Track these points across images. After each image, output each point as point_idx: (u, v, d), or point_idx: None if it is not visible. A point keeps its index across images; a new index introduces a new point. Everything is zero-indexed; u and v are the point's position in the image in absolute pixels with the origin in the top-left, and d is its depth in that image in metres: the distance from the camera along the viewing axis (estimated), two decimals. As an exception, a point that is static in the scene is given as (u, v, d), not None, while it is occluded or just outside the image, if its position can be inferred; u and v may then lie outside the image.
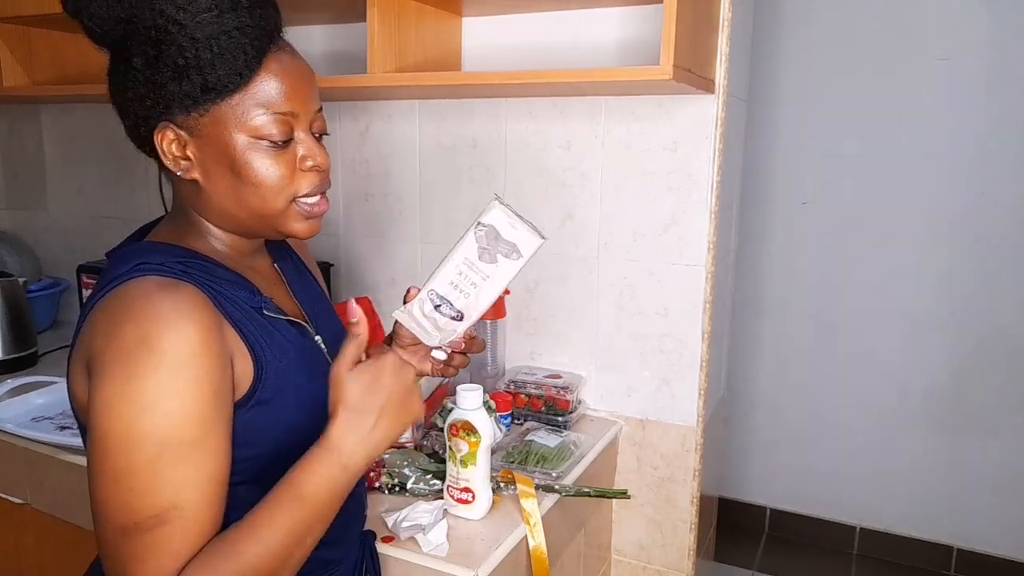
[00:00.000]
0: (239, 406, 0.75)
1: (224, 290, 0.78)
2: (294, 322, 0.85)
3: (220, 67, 0.73)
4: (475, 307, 0.86)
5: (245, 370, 0.76)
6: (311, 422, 0.80)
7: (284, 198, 0.78)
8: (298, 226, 0.81)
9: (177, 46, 0.72)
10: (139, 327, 0.68)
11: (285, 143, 0.77)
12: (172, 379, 0.67)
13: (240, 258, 0.85)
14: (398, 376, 0.77)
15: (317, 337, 0.89)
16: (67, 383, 0.78)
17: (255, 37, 0.74)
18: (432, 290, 0.86)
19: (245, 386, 0.76)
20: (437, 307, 0.86)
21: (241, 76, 0.74)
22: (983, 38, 2.26)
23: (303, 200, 0.80)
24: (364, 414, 0.74)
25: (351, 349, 0.76)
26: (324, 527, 0.74)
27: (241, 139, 0.75)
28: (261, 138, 0.76)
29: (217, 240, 0.83)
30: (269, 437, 0.77)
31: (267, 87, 0.75)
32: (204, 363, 0.69)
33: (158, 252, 0.77)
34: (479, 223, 0.84)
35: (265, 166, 0.76)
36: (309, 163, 0.79)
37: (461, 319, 0.86)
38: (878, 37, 2.38)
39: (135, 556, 0.67)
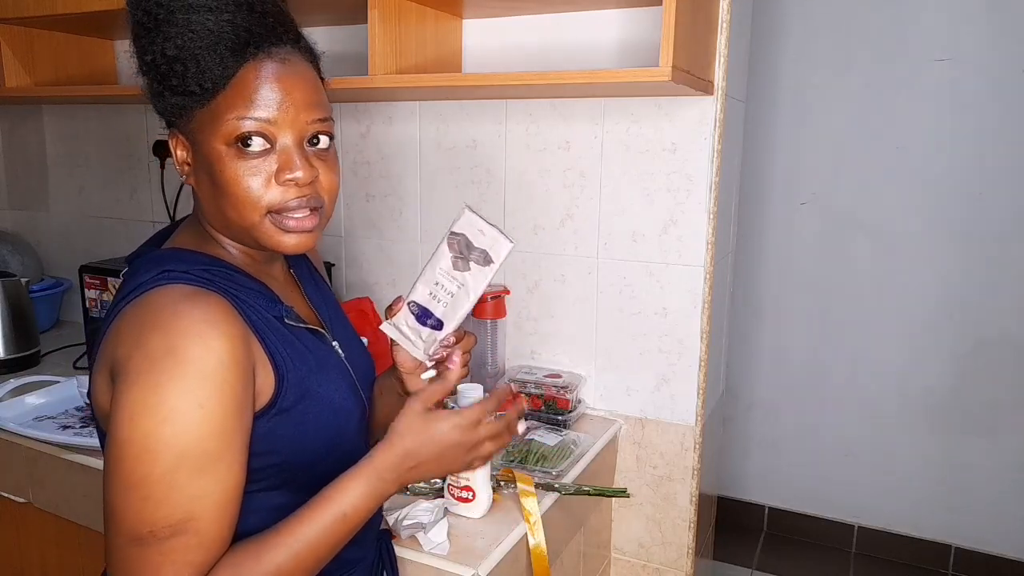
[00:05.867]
0: (261, 415, 0.75)
1: (247, 299, 0.78)
2: (313, 329, 0.86)
3: (190, 69, 0.72)
4: (453, 315, 0.87)
5: (267, 380, 0.76)
6: (331, 428, 0.82)
7: (257, 211, 0.75)
8: (280, 240, 0.77)
9: (149, 40, 0.74)
10: (165, 337, 0.68)
11: (260, 153, 0.74)
12: (196, 390, 0.67)
13: (257, 265, 0.84)
14: (462, 437, 0.80)
15: (335, 343, 0.90)
16: (89, 390, 0.77)
17: (227, 42, 0.72)
18: (412, 301, 0.88)
19: (267, 396, 0.75)
20: (418, 317, 0.88)
21: (211, 81, 0.72)
22: (983, 38, 2.27)
23: (281, 214, 0.76)
24: (415, 457, 0.78)
25: (436, 391, 0.80)
26: (341, 545, 0.77)
27: (218, 147, 0.74)
28: (234, 145, 0.73)
29: (232, 247, 0.82)
30: (290, 444, 0.77)
31: (242, 94, 0.73)
32: (228, 375, 0.69)
33: (182, 259, 0.77)
34: (451, 232, 0.86)
35: (237, 176, 0.74)
36: (285, 176, 0.74)
37: (440, 327, 0.88)
38: (877, 37, 2.39)
39: (150, 565, 0.67)
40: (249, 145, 0.74)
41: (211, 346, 0.68)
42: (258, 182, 0.74)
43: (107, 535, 0.69)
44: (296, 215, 0.76)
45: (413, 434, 0.78)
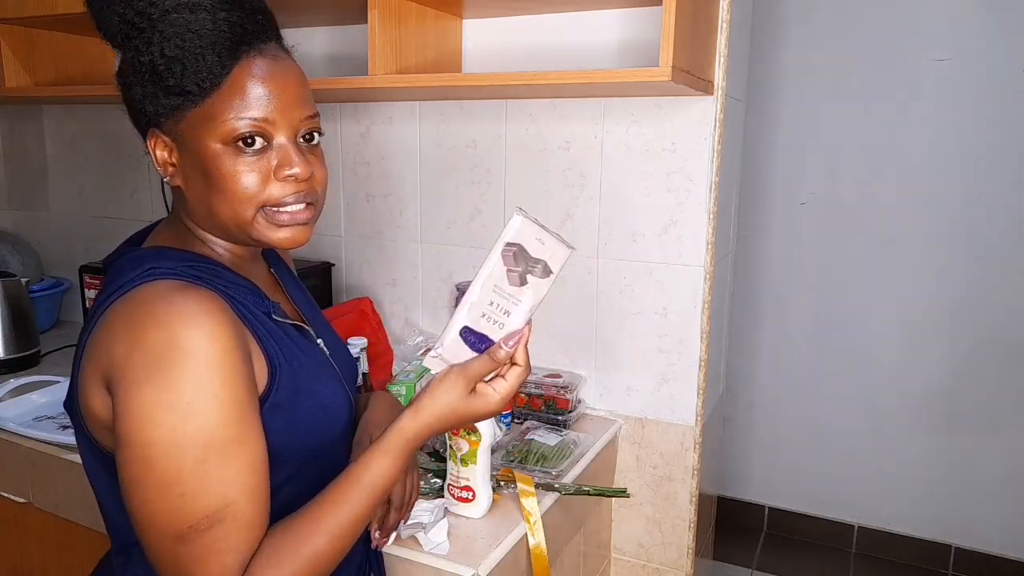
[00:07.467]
0: None
1: (235, 294, 0.78)
2: (299, 327, 0.86)
3: (189, 68, 0.72)
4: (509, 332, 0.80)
5: (261, 372, 0.76)
6: (322, 424, 0.82)
7: (253, 207, 0.75)
8: (274, 235, 0.77)
9: (144, 40, 0.73)
10: (164, 330, 0.67)
11: (258, 150, 0.74)
12: (208, 379, 0.67)
13: (241, 263, 0.84)
14: (486, 406, 0.79)
15: (319, 341, 0.90)
16: (75, 395, 0.76)
17: (225, 41, 0.72)
18: (466, 327, 0.79)
19: (260, 388, 0.76)
20: (472, 345, 0.79)
21: (209, 80, 0.72)
22: (983, 38, 2.27)
23: (276, 209, 0.76)
24: (445, 426, 0.79)
25: (484, 369, 0.78)
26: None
27: (213, 146, 0.74)
28: (231, 144, 0.73)
29: (217, 245, 0.82)
30: (280, 439, 0.77)
31: (238, 93, 0.73)
32: (234, 359, 0.69)
33: (166, 257, 0.77)
34: (506, 243, 0.77)
35: (234, 173, 0.74)
36: (284, 172, 0.75)
37: None
38: (877, 37, 2.39)
39: (196, 560, 0.67)
40: (249, 143, 0.74)
41: (213, 333, 0.68)
42: (256, 179, 0.75)
43: (146, 540, 0.69)
44: (290, 209, 0.77)
45: (452, 412, 0.79)
